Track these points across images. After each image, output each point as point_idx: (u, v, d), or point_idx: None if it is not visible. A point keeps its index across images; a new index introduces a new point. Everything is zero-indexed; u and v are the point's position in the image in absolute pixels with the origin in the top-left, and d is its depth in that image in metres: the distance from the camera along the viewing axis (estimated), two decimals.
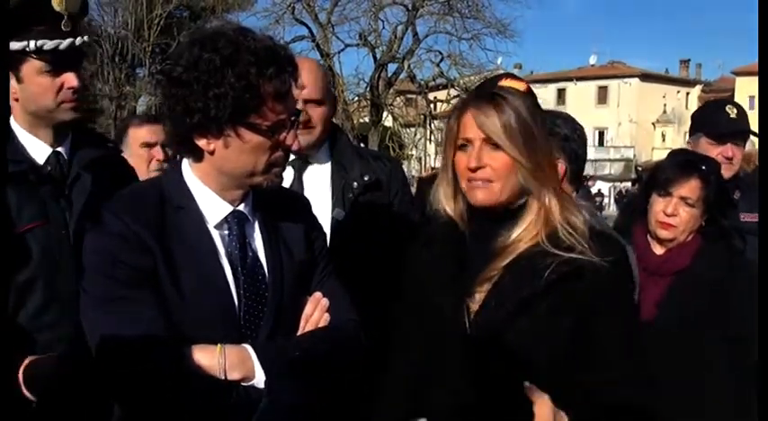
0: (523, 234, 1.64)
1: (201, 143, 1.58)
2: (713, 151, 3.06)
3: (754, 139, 3.37)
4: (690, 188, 2.55)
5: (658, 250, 2.63)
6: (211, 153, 1.60)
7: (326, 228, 2.49)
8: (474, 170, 1.66)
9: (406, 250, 1.91)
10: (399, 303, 1.88)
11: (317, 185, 2.56)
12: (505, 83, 3.32)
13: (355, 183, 2.56)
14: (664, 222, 2.58)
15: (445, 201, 1.76)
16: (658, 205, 2.60)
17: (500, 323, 1.59)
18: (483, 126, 1.65)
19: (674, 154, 2.91)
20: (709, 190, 2.56)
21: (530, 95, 1.73)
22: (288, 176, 2.53)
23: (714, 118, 3.22)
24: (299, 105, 2.44)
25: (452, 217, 1.75)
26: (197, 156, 1.63)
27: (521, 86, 3.29)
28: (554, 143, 1.97)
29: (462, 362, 1.62)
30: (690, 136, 3.35)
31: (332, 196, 2.55)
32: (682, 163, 2.65)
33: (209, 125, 1.54)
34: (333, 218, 2.52)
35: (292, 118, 1.61)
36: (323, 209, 2.52)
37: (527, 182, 1.64)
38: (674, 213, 2.56)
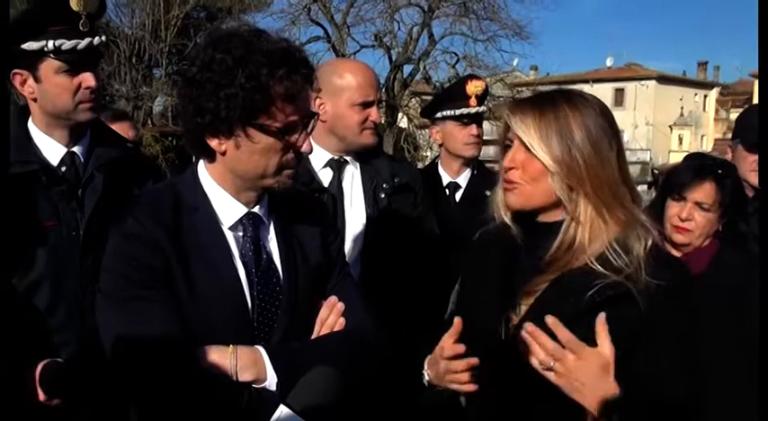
0: (564, 249, 1.58)
1: (213, 143, 1.59)
2: (749, 159, 2.96)
3: None
4: (704, 192, 2.52)
5: (675, 255, 2.59)
6: (223, 154, 1.60)
7: (360, 228, 2.54)
8: (507, 171, 1.64)
9: (461, 253, 1.89)
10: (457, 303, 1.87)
11: (353, 187, 2.61)
12: (472, 83, 3.37)
13: (386, 184, 2.62)
14: (679, 227, 2.55)
15: (497, 207, 1.72)
16: (673, 209, 2.58)
17: None
18: (517, 130, 1.61)
19: (690, 157, 2.87)
20: (724, 194, 2.52)
21: (591, 104, 1.62)
22: (326, 177, 2.57)
23: (751, 124, 3.05)
24: (375, 107, 2.51)
25: (506, 222, 1.71)
26: (210, 156, 1.64)
27: (482, 85, 3.30)
28: None
29: (494, 372, 1.60)
30: (732, 140, 3.24)
31: (364, 196, 2.60)
32: (696, 167, 2.61)
33: (220, 125, 1.54)
34: (367, 216, 2.57)
35: (305, 120, 1.60)
36: (357, 210, 2.58)
37: (560, 192, 1.58)
38: (689, 218, 2.53)
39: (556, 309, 1.53)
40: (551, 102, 1.61)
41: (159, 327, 1.52)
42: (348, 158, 2.61)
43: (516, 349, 1.55)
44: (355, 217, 2.57)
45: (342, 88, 2.45)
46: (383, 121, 24.39)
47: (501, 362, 1.58)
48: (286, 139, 1.58)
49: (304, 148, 1.62)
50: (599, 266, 1.53)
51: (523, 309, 1.59)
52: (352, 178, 2.62)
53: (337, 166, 2.59)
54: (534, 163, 1.59)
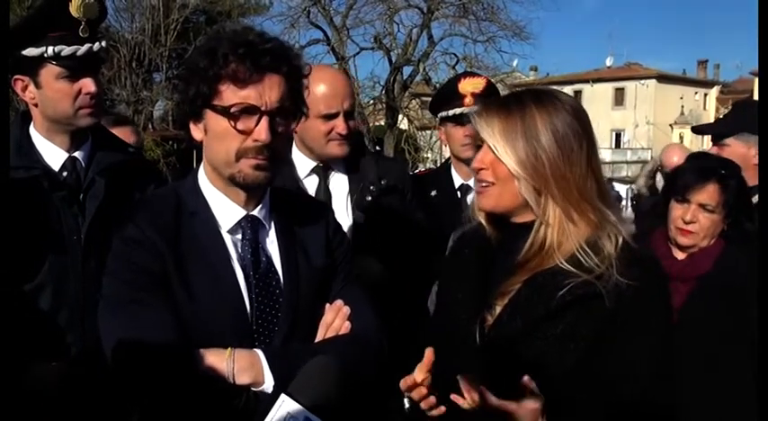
0: (535, 250, 1.58)
1: (194, 133, 1.65)
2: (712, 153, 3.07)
3: None
4: (708, 194, 2.51)
5: (680, 255, 2.59)
6: (201, 143, 1.66)
7: (348, 233, 2.51)
8: (477, 171, 1.64)
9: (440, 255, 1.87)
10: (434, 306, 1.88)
11: (340, 192, 2.60)
12: (465, 81, 3.23)
13: (372, 187, 2.59)
14: (683, 229, 2.54)
15: (472, 207, 1.73)
16: (677, 212, 2.57)
17: (510, 339, 1.56)
18: (482, 134, 1.61)
19: (693, 158, 2.86)
20: (728, 194, 2.51)
21: (561, 105, 1.61)
22: (312, 184, 2.56)
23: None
24: (341, 118, 2.47)
25: (483, 224, 1.72)
26: (198, 148, 1.69)
27: (479, 83, 3.16)
28: None
29: (469, 372, 1.57)
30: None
31: (350, 201, 2.58)
32: (700, 168, 2.60)
33: (191, 112, 1.62)
34: (353, 220, 2.55)
35: (265, 109, 1.59)
36: (344, 213, 2.55)
37: (527, 195, 1.58)
38: (693, 220, 2.52)
39: (528, 310, 1.54)
40: (518, 103, 1.61)
41: (157, 331, 1.53)
42: (333, 164, 2.59)
43: (491, 350, 1.56)
44: (343, 222, 2.53)
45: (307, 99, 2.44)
46: (383, 123, 24.42)
47: (476, 363, 1.58)
48: (236, 124, 1.58)
49: (258, 137, 1.59)
50: (570, 267, 1.53)
51: (498, 309, 1.59)
52: (339, 184, 2.60)
53: (323, 173, 2.58)
54: (502, 164, 1.59)
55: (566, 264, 1.54)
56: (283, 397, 1.22)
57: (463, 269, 1.73)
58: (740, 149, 3.01)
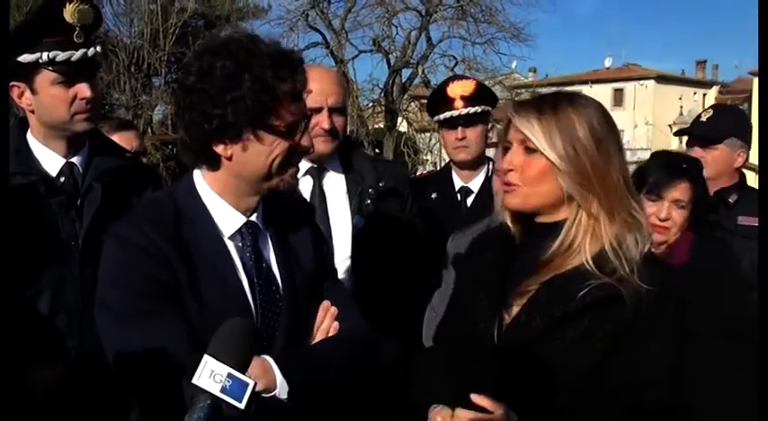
0: (563, 248, 1.58)
1: (219, 149, 1.58)
2: (696, 154, 3.19)
3: None
4: (681, 191, 2.58)
5: (654, 248, 2.63)
6: (229, 158, 1.60)
7: (348, 236, 2.51)
8: (506, 173, 1.64)
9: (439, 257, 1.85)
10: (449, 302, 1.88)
11: (336, 193, 2.59)
12: (454, 84, 3.25)
13: (371, 190, 2.59)
14: (657, 226, 2.57)
15: (499, 208, 1.73)
16: (650, 209, 2.59)
17: (527, 340, 1.55)
18: (521, 127, 1.61)
19: (657, 155, 2.91)
20: (697, 190, 2.61)
21: (592, 105, 1.64)
22: (307, 185, 2.55)
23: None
24: (325, 113, 2.47)
25: (507, 224, 1.72)
26: (213, 163, 1.63)
27: (468, 86, 3.15)
28: None
29: (486, 373, 1.59)
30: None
31: (349, 204, 2.57)
32: (668, 165, 2.66)
33: (228, 130, 1.55)
34: (353, 225, 2.54)
35: (305, 118, 1.63)
36: (343, 216, 2.55)
37: (570, 188, 1.58)
38: (668, 217, 2.58)
39: (547, 311, 1.54)
40: (553, 102, 1.62)
41: (170, 341, 1.50)
42: (328, 165, 2.59)
43: (508, 350, 1.55)
44: (341, 225, 2.54)
45: None
46: (383, 126, 24.41)
47: (492, 364, 1.57)
48: (292, 139, 1.59)
49: (307, 146, 1.64)
50: (593, 267, 1.53)
51: (516, 309, 1.59)
52: (336, 186, 2.59)
53: (317, 174, 2.56)
54: (535, 164, 1.60)
55: (591, 263, 1.54)
56: (207, 357, 1.24)
57: (484, 271, 1.72)
58: (727, 153, 3.27)
